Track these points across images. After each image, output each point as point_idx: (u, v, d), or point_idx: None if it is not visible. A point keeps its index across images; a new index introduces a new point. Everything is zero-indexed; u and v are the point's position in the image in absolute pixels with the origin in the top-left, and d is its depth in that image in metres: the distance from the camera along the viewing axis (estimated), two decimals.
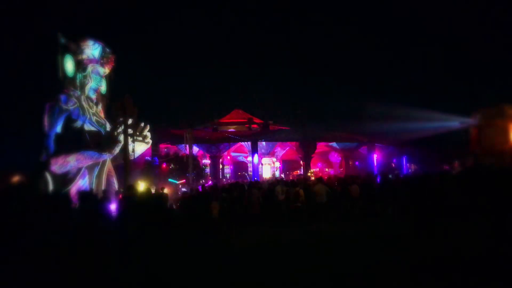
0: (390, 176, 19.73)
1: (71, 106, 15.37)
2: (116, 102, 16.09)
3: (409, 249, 8.65)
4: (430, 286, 6.31)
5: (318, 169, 44.73)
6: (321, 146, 40.10)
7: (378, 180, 17.13)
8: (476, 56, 61.71)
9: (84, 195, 11.13)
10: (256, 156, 36.85)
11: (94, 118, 16.06)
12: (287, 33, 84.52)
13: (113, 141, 15.57)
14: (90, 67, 16.12)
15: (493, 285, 6.13)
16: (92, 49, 16.23)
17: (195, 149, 34.34)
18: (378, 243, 9.66)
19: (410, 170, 37.72)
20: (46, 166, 14.66)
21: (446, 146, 31.65)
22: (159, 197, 13.79)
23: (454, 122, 25.06)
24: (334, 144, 41.33)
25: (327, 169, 45.73)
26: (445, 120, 26.67)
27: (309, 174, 34.06)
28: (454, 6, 66.13)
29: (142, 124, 16.52)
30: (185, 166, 29.38)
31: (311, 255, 9.06)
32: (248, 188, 15.21)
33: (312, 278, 7.14)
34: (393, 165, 39.33)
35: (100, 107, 16.84)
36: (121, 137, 15.66)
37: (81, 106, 15.67)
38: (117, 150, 15.74)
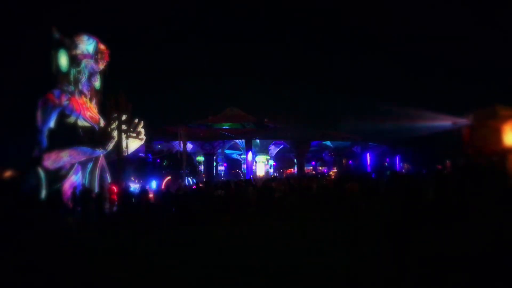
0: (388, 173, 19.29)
1: (64, 101, 15.26)
2: (110, 98, 16.01)
3: None
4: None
5: (311, 167, 44.89)
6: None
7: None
8: (470, 56, 62.18)
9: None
10: (250, 154, 36.78)
11: (87, 114, 15.95)
12: (283, 33, 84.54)
13: (107, 137, 15.49)
14: (84, 62, 16.01)
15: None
16: (86, 44, 16.10)
17: (189, 146, 34.20)
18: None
19: (403, 169, 37.92)
20: (38, 161, 14.56)
21: (439, 146, 31.83)
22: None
23: (447, 122, 25.15)
24: (327, 143, 41.42)
25: (320, 168, 45.88)
26: (438, 120, 26.76)
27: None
28: (447, 5, 66.55)
29: (136, 121, 16.46)
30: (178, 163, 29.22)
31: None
32: (243, 185, 15.24)
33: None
34: (386, 164, 39.53)
35: (94, 102, 16.73)
36: (115, 133, 15.58)
37: (74, 102, 15.56)
38: (110, 146, 15.67)
